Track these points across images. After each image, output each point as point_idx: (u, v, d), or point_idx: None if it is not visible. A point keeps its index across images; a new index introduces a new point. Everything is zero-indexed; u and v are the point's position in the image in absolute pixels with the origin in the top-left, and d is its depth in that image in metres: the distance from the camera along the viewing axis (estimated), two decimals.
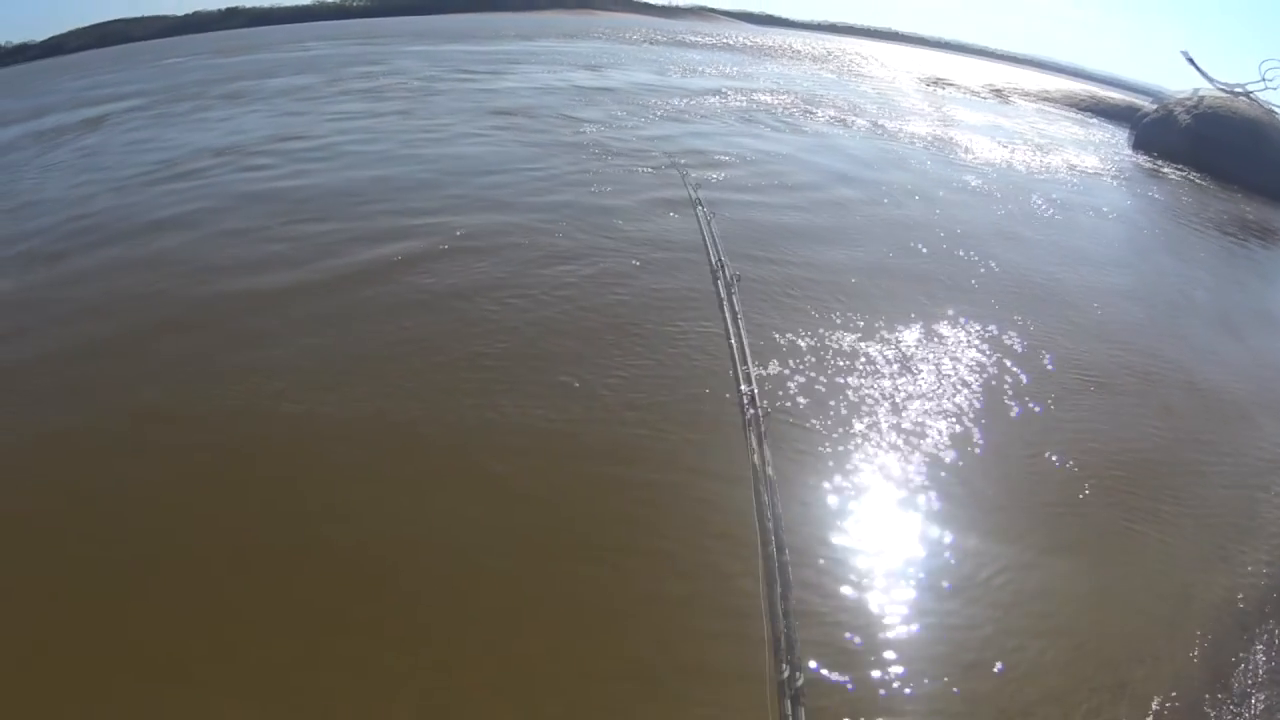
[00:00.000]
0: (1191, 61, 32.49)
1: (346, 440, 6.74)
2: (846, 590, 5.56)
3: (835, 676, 4.90)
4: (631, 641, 5.04)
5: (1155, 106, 34.08)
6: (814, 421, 7.30)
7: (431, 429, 6.90)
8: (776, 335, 8.78)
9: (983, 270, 11.87)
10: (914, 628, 5.31)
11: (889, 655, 5.09)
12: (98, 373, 7.90)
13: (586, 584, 5.41)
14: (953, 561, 5.95)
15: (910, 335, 9.27)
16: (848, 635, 5.22)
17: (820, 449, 6.98)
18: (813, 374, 8.10)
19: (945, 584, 5.72)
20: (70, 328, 8.87)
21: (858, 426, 7.39)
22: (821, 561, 5.68)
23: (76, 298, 9.66)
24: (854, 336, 8.99)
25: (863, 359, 8.53)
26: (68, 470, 6.49)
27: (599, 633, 5.08)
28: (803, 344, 8.64)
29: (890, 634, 5.26)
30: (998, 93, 45.08)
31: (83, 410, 7.28)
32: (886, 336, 9.11)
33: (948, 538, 6.17)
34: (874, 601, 5.50)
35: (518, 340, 8.38)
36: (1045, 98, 45.30)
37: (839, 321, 9.33)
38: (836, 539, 5.95)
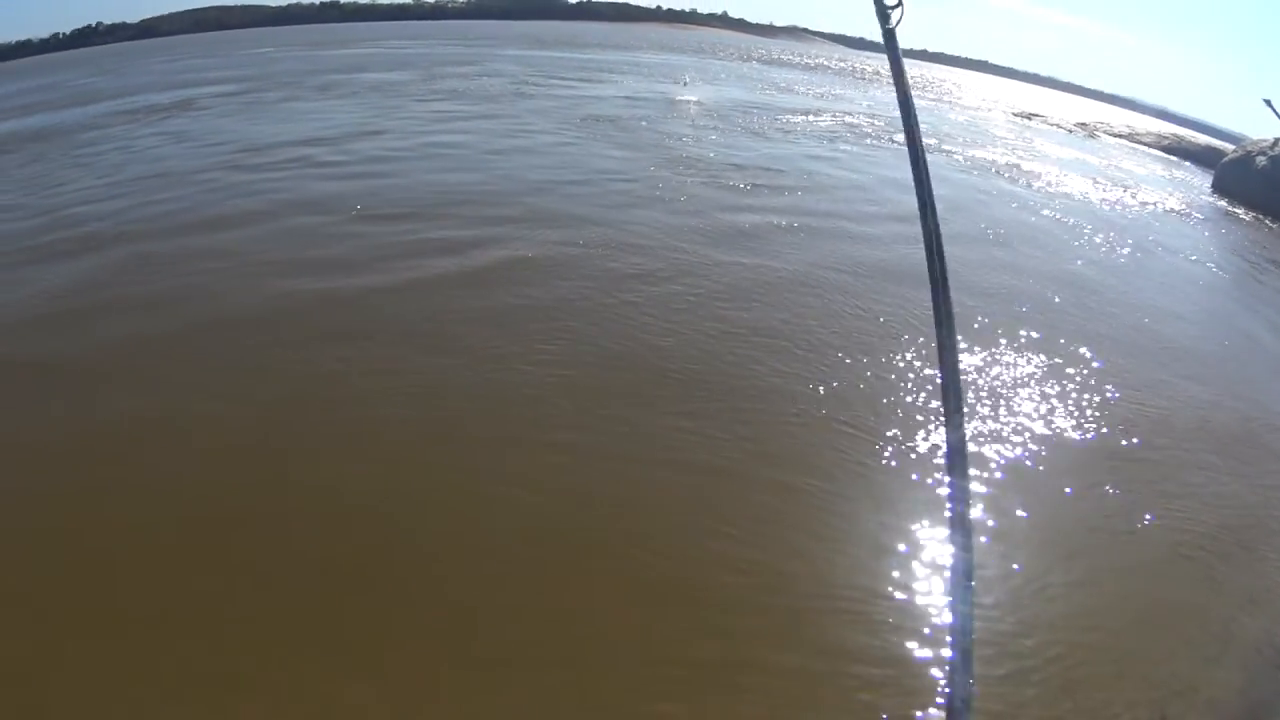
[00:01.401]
0: (1271, 107, 31.34)
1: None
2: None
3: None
4: None
5: (1236, 150, 33.36)
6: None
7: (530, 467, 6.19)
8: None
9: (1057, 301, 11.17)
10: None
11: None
12: (152, 368, 7.42)
13: None
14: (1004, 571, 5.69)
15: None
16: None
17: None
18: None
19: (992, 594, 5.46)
20: (129, 317, 8.44)
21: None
22: None
23: (139, 285, 9.24)
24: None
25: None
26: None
27: None
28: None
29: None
30: (1085, 129, 43.99)
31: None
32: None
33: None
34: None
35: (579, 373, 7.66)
36: (1131, 136, 44.09)
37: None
38: None
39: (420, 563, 5.22)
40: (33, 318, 8.52)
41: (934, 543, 5.77)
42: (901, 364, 8.36)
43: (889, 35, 2.98)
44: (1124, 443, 7.62)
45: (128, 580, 4.93)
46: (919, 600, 5.28)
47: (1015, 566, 5.68)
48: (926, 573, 5.52)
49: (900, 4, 2.96)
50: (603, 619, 4.95)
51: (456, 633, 4.77)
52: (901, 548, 5.74)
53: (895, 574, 5.50)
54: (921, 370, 8.21)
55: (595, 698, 4.42)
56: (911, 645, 4.92)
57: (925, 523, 5.98)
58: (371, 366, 7.45)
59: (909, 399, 7.69)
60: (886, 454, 6.80)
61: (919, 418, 7.37)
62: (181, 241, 10.69)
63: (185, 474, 5.92)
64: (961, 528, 1.92)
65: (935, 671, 4.74)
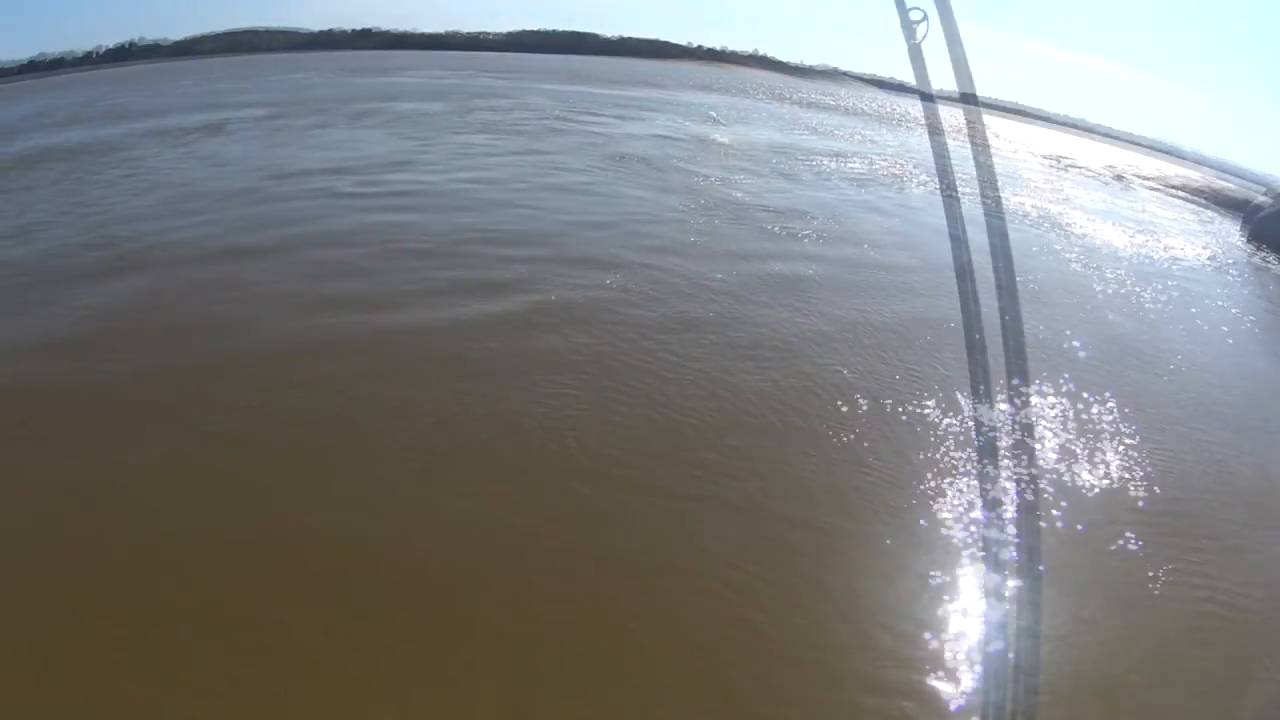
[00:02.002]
0: None
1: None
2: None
3: None
4: None
5: (1269, 199, 33.45)
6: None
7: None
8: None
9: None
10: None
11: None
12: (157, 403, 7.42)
13: None
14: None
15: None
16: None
17: None
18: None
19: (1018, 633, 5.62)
20: (142, 350, 8.45)
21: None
22: None
23: (158, 315, 9.28)
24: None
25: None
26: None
27: None
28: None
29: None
30: (1117, 175, 43.90)
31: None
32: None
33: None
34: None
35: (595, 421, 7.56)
36: (1162, 182, 43.88)
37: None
38: None
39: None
40: (56, 342, 8.58)
41: (950, 581, 5.86)
42: (929, 413, 8.28)
43: (915, 51, 2.93)
44: (1147, 494, 7.58)
45: None
46: (937, 636, 5.37)
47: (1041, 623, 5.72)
48: (944, 613, 5.59)
49: (925, 18, 2.91)
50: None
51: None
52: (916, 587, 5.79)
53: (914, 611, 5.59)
54: (946, 420, 8.13)
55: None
56: (934, 682, 5.02)
57: (943, 563, 6.04)
58: (382, 410, 7.41)
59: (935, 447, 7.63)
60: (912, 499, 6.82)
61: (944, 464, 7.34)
62: (203, 271, 10.73)
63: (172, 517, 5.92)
64: None
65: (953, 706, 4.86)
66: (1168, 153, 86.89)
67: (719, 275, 11.92)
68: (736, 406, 8.04)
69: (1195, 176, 47.73)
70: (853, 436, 7.70)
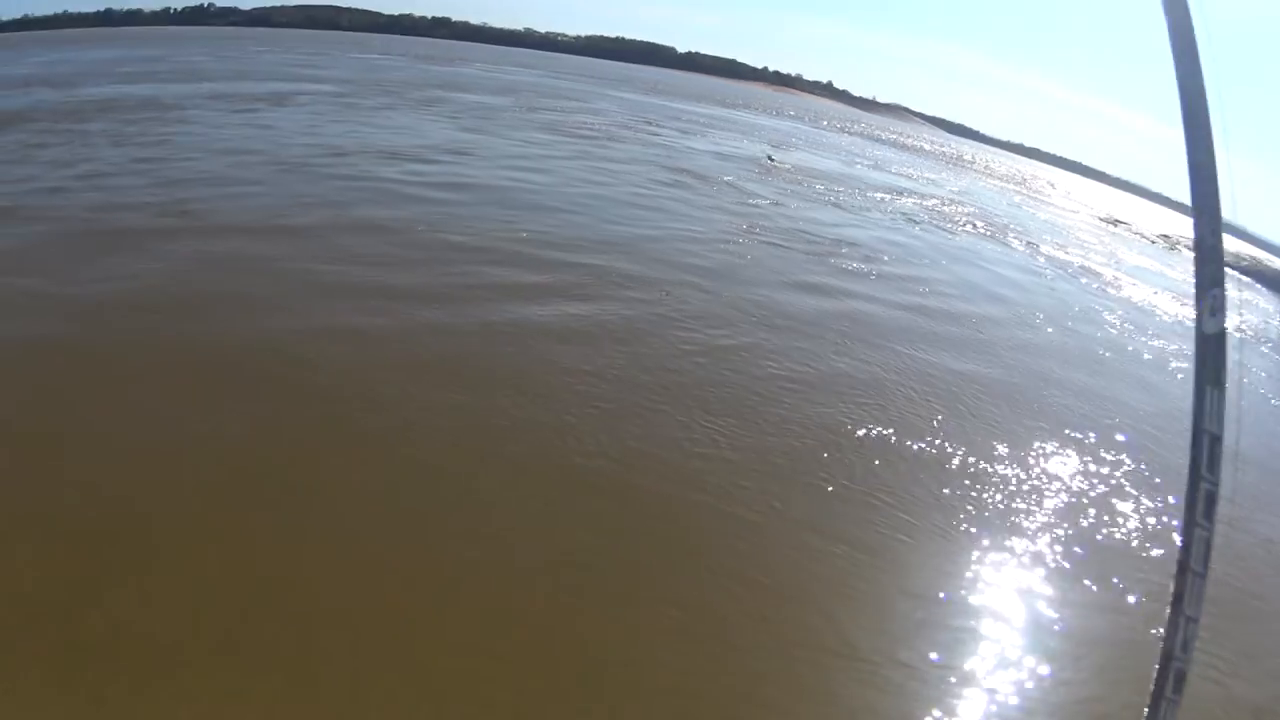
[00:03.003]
0: None
1: None
2: None
3: None
4: None
5: None
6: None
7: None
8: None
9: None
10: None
11: None
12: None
13: None
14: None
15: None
16: None
17: None
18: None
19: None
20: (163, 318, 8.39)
21: None
22: None
23: (187, 285, 9.24)
24: None
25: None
26: None
27: None
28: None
29: None
30: (1168, 240, 43.23)
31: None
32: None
33: None
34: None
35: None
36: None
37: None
38: None
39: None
40: (90, 304, 8.55)
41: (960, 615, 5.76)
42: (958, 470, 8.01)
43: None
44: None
45: None
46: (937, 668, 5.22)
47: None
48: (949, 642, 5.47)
49: None
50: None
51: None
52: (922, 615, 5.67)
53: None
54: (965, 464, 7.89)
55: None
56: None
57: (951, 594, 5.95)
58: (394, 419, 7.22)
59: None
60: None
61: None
62: (237, 244, 10.73)
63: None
64: None
65: None
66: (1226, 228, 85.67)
67: (757, 303, 11.69)
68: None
69: (1243, 251, 46.97)
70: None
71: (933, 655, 5.33)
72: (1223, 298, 1.26)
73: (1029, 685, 5.27)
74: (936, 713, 4.86)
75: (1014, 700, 5.12)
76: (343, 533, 5.54)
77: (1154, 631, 5.67)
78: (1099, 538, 7.28)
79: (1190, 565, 1.25)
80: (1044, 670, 5.41)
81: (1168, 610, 1.33)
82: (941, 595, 5.97)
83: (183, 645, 4.43)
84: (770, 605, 5.53)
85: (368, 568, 5.26)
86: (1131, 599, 6.39)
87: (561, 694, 4.58)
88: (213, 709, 4.12)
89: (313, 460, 6.31)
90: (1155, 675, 1.34)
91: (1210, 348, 1.21)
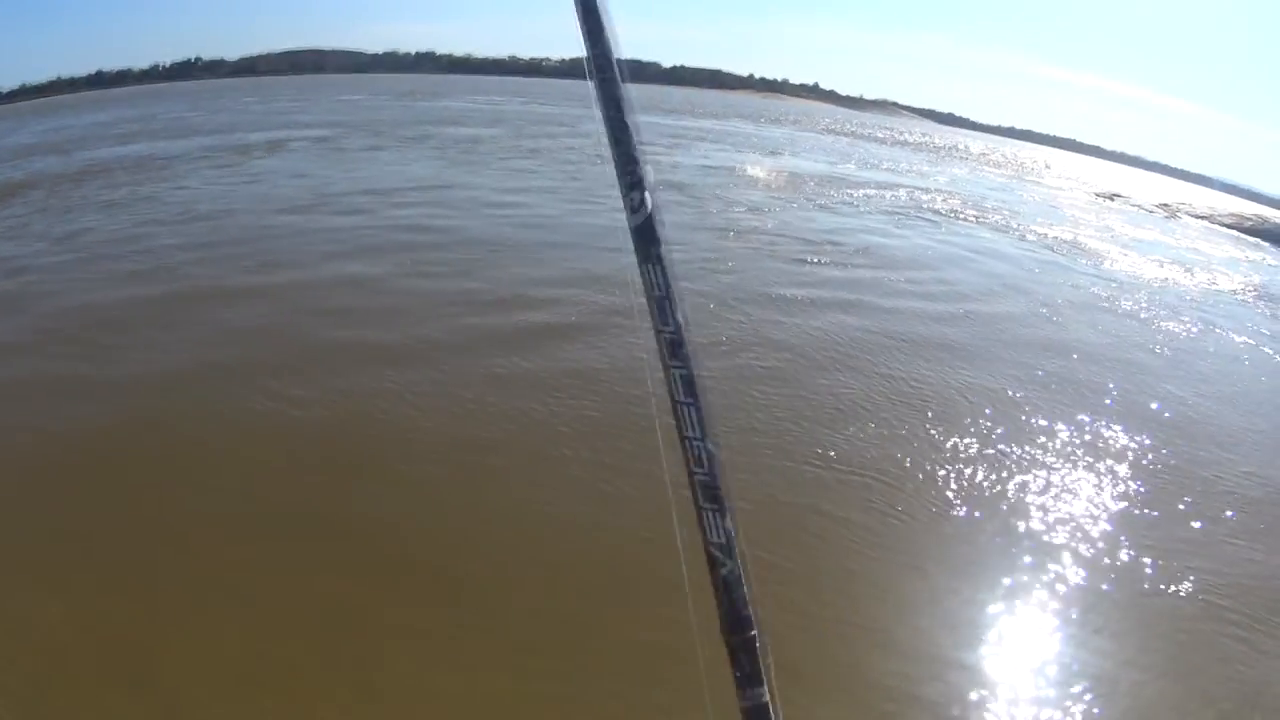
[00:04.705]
0: None
1: None
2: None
3: None
4: None
5: None
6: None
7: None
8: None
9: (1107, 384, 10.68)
10: None
11: None
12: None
13: None
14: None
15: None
16: None
17: None
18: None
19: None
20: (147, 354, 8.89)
21: None
22: None
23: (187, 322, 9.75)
24: None
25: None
26: None
27: None
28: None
29: None
30: (1167, 209, 42.77)
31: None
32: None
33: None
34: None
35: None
36: (1211, 218, 42.02)
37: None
38: None
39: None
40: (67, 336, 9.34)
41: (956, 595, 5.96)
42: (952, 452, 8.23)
43: None
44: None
45: None
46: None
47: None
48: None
49: None
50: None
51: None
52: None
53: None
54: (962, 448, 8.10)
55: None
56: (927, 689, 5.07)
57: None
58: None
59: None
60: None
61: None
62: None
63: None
64: None
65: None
66: (1223, 187, 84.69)
67: (739, 319, 11.71)
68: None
69: (1246, 210, 45.82)
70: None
71: None
72: (641, 197, 1.57)
73: None
74: None
75: None
76: None
77: None
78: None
79: (677, 398, 1.56)
80: None
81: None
82: None
83: None
84: None
85: None
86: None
87: None
88: None
89: None
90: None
91: (640, 236, 1.52)
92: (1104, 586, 6.31)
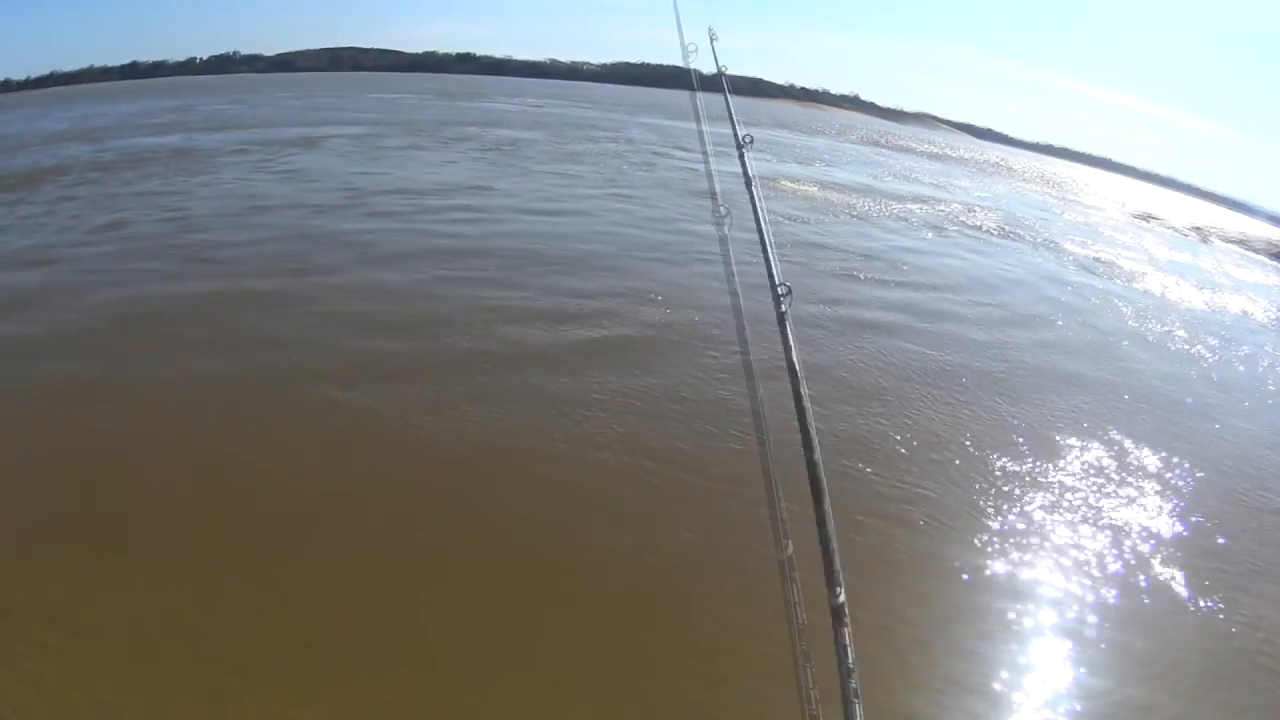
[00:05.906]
0: None
1: None
2: None
3: None
4: None
5: None
6: None
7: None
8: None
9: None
10: None
11: None
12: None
13: None
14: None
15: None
16: None
17: None
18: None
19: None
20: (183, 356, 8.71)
21: None
22: None
23: (207, 329, 9.57)
24: None
25: None
26: None
27: None
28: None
29: None
30: (1199, 231, 42.58)
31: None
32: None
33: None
34: None
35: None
36: (1244, 242, 41.50)
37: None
38: None
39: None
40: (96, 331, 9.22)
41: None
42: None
43: None
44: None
45: None
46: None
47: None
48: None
49: None
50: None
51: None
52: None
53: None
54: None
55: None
56: None
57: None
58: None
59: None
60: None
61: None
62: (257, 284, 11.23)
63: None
64: None
65: None
66: (1255, 213, 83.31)
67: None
68: None
69: (1275, 237, 45.58)
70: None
71: None
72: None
73: None
74: None
75: None
76: None
77: None
78: None
79: None
80: None
81: None
82: None
83: None
84: None
85: None
86: None
87: None
88: None
89: None
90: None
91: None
92: None
